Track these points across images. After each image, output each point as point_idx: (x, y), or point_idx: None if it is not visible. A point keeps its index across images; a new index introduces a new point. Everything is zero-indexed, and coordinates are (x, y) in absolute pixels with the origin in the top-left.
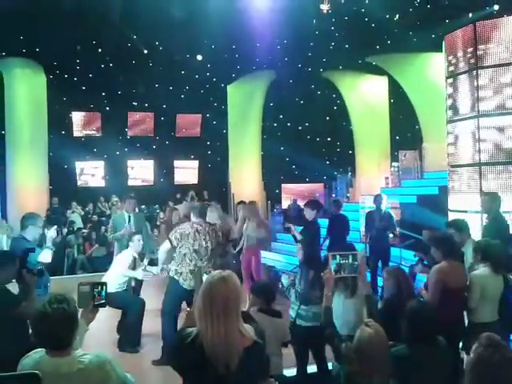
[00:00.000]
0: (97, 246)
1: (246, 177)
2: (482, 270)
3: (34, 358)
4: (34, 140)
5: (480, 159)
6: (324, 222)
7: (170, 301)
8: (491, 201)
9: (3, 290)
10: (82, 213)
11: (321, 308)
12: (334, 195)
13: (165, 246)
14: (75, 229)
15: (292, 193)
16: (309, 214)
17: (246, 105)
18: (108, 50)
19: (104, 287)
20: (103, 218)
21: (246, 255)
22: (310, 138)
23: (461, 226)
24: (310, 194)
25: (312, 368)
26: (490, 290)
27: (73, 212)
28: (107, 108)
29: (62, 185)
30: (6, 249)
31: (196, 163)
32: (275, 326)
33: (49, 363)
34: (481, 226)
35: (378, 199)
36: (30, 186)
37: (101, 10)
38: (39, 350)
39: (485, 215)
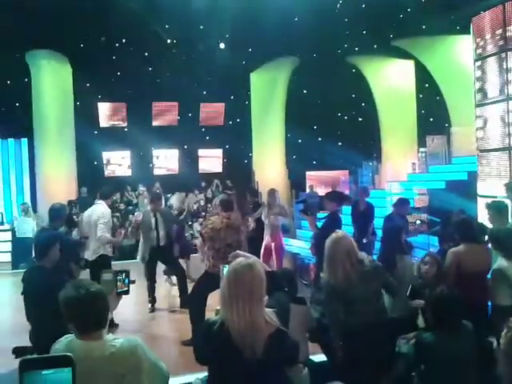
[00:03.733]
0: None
1: (269, 165)
2: (502, 262)
3: (65, 342)
4: (61, 131)
5: (510, 143)
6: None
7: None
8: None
9: (56, 272)
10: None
11: None
12: (360, 182)
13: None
14: None
15: (317, 180)
16: (328, 205)
17: (269, 92)
18: (132, 40)
19: (127, 275)
20: (130, 207)
21: (266, 242)
22: (335, 125)
23: (499, 209)
24: (334, 181)
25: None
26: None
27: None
28: (132, 98)
29: (89, 175)
30: None
31: (220, 152)
32: (299, 313)
33: (81, 347)
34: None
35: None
36: (58, 176)
37: (125, 1)
38: (69, 335)
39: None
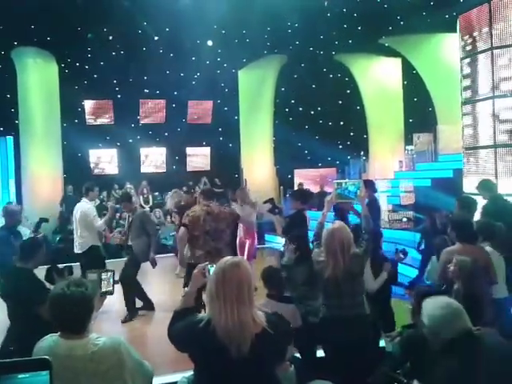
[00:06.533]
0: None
1: (258, 162)
2: (487, 249)
3: (49, 341)
4: (47, 129)
5: (495, 141)
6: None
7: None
8: (481, 189)
9: (38, 282)
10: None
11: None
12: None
13: (182, 232)
14: None
15: (305, 178)
16: (293, 204)
17: (257, 90)
18: (119, 37)
19: (112, 274)
20: (118, 206)
21: (240, 239)
22: (323, 123)
23: (471, 205)
24: (322, 179)
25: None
26: (498, 268)
27: None
28: (119, 96)
29: (76, 173)
30: None
31: (208, 150)
32: (284, 311)
33: (63, 346)
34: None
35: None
36: (44, 174)
37: None
38: (54, 334)
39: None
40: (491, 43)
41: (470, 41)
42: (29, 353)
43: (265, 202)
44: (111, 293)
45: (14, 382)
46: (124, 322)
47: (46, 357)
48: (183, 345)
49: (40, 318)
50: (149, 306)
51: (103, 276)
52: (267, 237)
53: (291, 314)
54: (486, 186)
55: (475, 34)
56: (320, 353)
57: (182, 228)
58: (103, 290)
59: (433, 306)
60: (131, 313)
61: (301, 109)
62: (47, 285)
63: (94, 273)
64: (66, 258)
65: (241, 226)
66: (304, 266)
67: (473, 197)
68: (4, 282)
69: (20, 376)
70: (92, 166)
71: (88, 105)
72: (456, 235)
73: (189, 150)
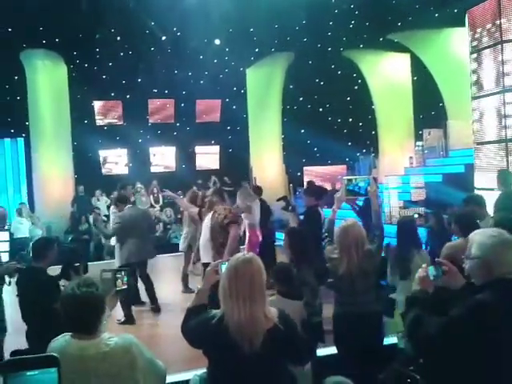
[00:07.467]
0: None
1: (267, 160)
2: None
3: (61, 341)
4: (57, 130)
5: (506, 135)
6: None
7: None
8: (498, 179)
9: (51, 281)
10: (108, 201)
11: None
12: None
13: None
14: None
15: (314, 175)
16: (306, 200)
17: (265, 88)
18: (126, 38)
19: (126, 273)
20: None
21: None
22: (332, 120)
23: (480, 202)
24: (331, 176)
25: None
26: None
27: (98, 200)
28: (128, 96)
29: (86, 173)
30: None
31: (217, 148)
32: (294, 308)
33: (75, 346)
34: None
35: None
36: (55, 175)
37: None
38: (67, 334)
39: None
40: (501, 37)
41: (478, 35)
42: (43, 352)
43: (278, 200)
44: (126, 291)
45: (22, 379)
46: (120, 323)
47: (54, 354)
48: (197, 341)
49: (53, 317)
50: (155, 306)
51: (118, 275)
52: (277, 234)
53: (298, 310)
54: (501, 178)
55: (484, 28)
56: (332, 350)
57: (236, 225)
58: (118, 288)
59: (482, 235)
60: (127, 317)
61: (309, 106)
62: (62, 282)
63: (109, 272)
64: (79, 257)
65: (246, 223)
66: (309, 276)
67: (481, 193)
68: (18, 281)
69: (28, 373)
70: (102, 166)
71: (97, 105)
72: (459, 230)
73: (198, 149)
